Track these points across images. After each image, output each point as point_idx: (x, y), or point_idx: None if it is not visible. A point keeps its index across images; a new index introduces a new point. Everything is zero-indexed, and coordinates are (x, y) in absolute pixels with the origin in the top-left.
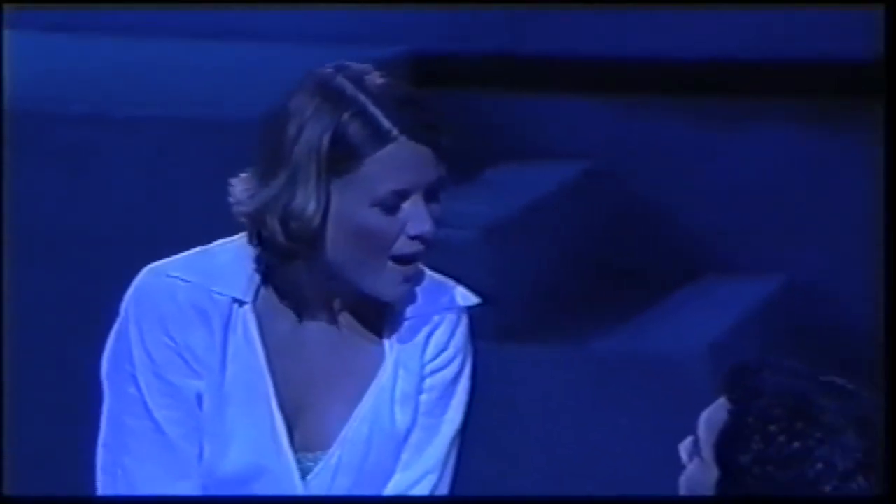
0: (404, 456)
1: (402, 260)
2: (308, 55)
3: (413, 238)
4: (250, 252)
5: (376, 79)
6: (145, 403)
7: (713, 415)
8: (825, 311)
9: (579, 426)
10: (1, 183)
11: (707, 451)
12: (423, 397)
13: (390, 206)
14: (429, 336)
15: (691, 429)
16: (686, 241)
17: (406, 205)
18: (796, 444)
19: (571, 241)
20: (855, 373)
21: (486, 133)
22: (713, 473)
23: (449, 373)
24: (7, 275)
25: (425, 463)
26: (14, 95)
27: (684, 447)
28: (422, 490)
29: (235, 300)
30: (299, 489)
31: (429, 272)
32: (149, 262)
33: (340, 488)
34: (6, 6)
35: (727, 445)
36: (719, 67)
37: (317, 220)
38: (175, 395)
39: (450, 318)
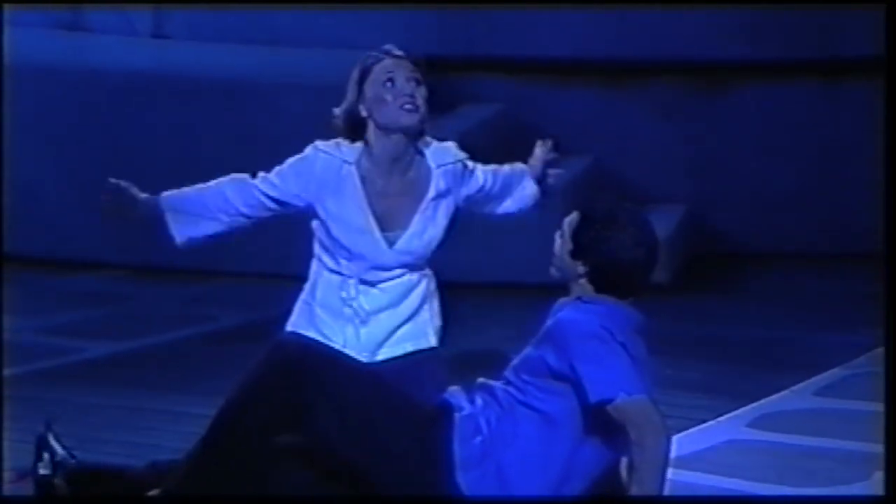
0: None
1: (402, 106)
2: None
3: (405, 95)
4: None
5: (385, 47)
6: (268, 189)
7: (572, 219)
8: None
9: None
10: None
11: (567, 235)
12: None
13: (391, 83)
14: (447, 171)
15: (550, 223)
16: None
17: (397, 82)
18: (607, 232)
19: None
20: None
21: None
22: (569, 245)
23: (461, 185)
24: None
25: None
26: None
27: (558, 234)
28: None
29: (345, 161)
30: (387, 252)
31: (436, 142)
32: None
33: (410, 247)
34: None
35: (578, 232)
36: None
37: (354, 102)
38: (280, 192)
39: (456, 163)
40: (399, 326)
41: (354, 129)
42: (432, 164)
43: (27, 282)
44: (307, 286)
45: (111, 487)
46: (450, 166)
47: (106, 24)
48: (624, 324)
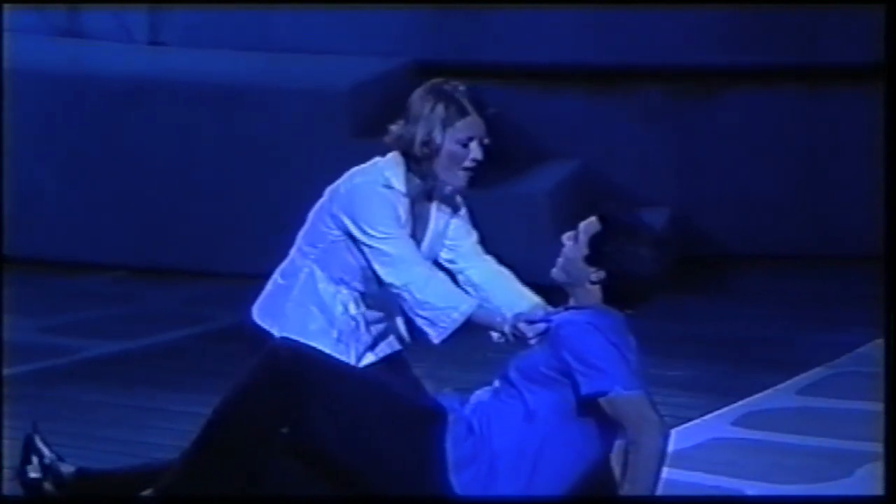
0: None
1: (465, 170)
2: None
3: (472, 160)
4: (401, 168)
5: (461, 87)
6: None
7: (589, 225)
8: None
9: None
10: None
11: (583, 240)
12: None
13: (465, 144)
14: (454, 204)
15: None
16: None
17: (472, 144)
18: (631, 244)
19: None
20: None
21: None
22: (583, 251)
23: (464, 213)
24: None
25: (469, 241)
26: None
27: (566, 236)
28: (468, 244)
29: (404, 195)
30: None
31: None
32: None
33: (425, 251)
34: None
35: (598, 240)
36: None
37: (439, 144)
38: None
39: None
40: (388, 329)
41: (418, 158)
42: (445, 192)
43: (28, 282)
44: (298, 290)
45: (101, 490)
46: (458, 198)
47: (103, 31)
48: (616, 326)
